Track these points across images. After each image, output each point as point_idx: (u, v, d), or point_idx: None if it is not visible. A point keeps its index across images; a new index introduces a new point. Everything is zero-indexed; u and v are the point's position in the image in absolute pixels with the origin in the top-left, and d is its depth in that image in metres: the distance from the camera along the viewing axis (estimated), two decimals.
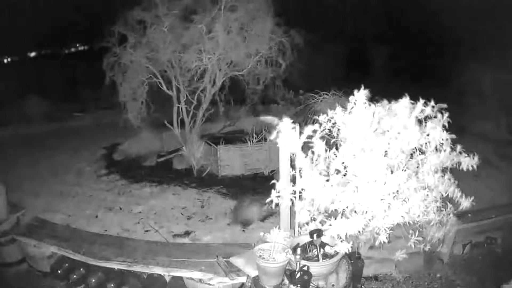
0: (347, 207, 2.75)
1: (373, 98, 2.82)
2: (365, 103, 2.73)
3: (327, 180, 2.76)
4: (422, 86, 6.16)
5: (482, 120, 8.06)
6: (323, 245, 2.83)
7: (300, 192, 2.88)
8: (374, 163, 2.64)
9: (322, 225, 2.85)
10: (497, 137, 7.73)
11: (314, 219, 2.91)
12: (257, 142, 6.77)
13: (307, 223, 2.98)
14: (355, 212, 2.77)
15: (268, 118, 3.04)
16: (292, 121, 2.83)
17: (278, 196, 2.84)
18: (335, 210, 2.78)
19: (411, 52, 13.09)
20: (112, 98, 8.34)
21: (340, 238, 2.72)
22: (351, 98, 2.76)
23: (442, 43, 12.19)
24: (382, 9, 15.83)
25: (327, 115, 2.78)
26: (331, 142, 2.85)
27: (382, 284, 3.87)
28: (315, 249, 2.80)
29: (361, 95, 2.72)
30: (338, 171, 2.80)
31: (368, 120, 2.71)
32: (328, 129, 2.80)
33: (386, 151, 2.71)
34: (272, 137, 2.84)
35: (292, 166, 3.10)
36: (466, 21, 10.84)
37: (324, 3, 15.43)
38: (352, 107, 2.75)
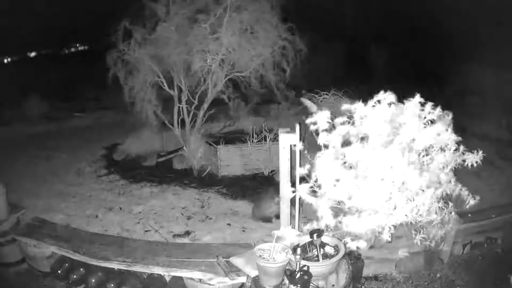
0: (359, 205, 2.76)
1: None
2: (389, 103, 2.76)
3: (339, 177, 2.78)
4: (423, 86, 6.16)
5: (483, 120, 8.06)
6: (323, 245, 2.83)
7: (313, 188, 2.89)
8: (388, 160, 2.66)
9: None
10: (497, 137, 7.73)
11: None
12: (257, 142, 6.76)
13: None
14: (362, 210, 2.77)
15: (309, 103, 3.08)
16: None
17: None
18: (349, 208, 2.80)
19: (411, 52, 13.08)
20: (113, 98, 8.34)
21: (353, 236, 2.74)
22: (375, 97, 2.79)
23: (442, 43, 12.20)
24: (382, 9, 15.82)
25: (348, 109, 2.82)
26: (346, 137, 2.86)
27: (382, 284, 3.87)
28: (315, 249, 2.80)
29: (387, 96, 2.75)
30: (351, 167, 2.81)
31: (386, 118, 2.73)
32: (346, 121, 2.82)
33: (400, 149, 2.73)
34: (309, 120, 2.87)
35: (293, 166, 3.11)
36: (466, 20, 10.83)
37: (325, 3, 15.41)
38: (374, 105, 2.78)
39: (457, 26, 10.76)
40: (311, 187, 2.89)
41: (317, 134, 2.86)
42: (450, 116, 2.85)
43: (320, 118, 2.85)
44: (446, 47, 11.89)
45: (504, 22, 10.12)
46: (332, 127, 2.85)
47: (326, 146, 2.85)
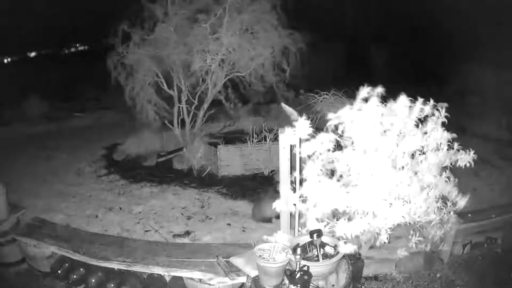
0: (350, 208, 2.74)
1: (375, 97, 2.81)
2: (376, 103, 2.72)
3: (331, 181, 2.75)
4: (423, 86, 6.18)
5: (483, 120, 8.06)
6: (323, 245, 2.83)
7: (303, 196, 2.86)
8: (379, 163, 2.64)
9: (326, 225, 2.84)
10: (497, 137, 7.74)
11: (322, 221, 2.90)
12: (257, 142, 6.77)
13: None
14: (357, 213, 2.76)
15: (288, 109, 3.00)
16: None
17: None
18: (339, 211, 2.78)
19: (411, 52, 13.09)
20: (113, 98, 8.35)
21: (345, 239, 2.72)
22: (361, 97, 2.75)
23: (442, 43, 12.20)
24: (382, 9, 15.82)
25: (334, 113, 2.76)
26: (336, 141, 2.82)
27: (382, 284, 3.87)
28: (315, 249, 2.80)
29: (373, 97, 2.72)
30: (342, 172, 2.78)
31: (375, 120, 2.70)
32: (335, 127, 2.78)
33: (390, 152, 2.71)
34: (288, 130, 2.81)
35: (293, 167, 3.09)
36: (466, 20, 10.83)
37: (325, 3, 15.43)
38: (361, 107, 2.74)
39: (457, 26, 10.76)
40: (301, 196, 2.86)
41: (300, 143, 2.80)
42: (443, 110, 2.80)
43: (300, 127, 2.74)
44: (446, 47, 11.89)
45: (504, 22, 10.12)
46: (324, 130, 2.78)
47: (309, 157, 2.77)
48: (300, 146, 2.80)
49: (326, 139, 2.72)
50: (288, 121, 3.03)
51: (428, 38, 13.00)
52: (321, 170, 2.76)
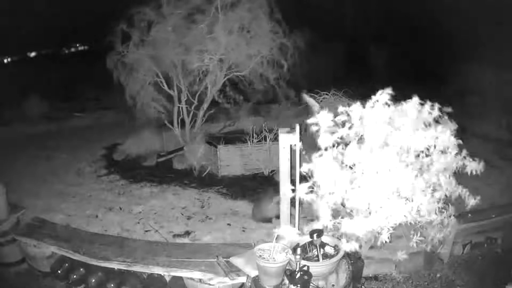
0: (353, 206, 2.75)
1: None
2: (386, 103, 2.75)
3: (338, 179, 2.76)
4: (423, 86, 6.19)
5: (483, 120, 8.06)
6: (323, 245, 2.83)
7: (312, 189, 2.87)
8: (385, 161, 2.65)
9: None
10: (497, 137, 7.73)
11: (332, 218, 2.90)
12: (257, 142, 6.76)
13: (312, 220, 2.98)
14: (361, 212, 2.77)
15: (311, 101, 3.00)
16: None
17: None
18: (345, 208, 2.79)
19: (411, 52, 13.09)
20: (113, 98, 8.36)
21: (347, 238, 2.73)
22: (373, 97, 2.78)
23: (442, 43, 12.21)
24: (382, 9, 15.83)
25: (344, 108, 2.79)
26: (342, 138, 2.84)
27: (382, 284, 3.87)
28: (315, 249, 2.80)
29: (383, 95, 2.75)
30: (349, 167, 2.80)
31: (384, 118, 2.71)
32: (342, 122, 2.80)
33: (397, 150, 2.72)
34: (310, 120, 2.84)
35: (293, 166, 3.10)
36: (466, 20, 10.84)
37: (325, 3, 15.43)
38: (372, 106, 2.76)
39: (457, 26, 10.76)
40: (311, 186, 2.87)
41: (318, 134, 2.83)
42: (447, 117, 2.80)
43: (322, 119, 2.80)
44: (446, 47, 11.90)
45: (504, 22, 10.13)
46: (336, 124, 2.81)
47: (325, 149, 2.82)
48: (319, 137, 2.83)
49: (342, 132, 2.76)
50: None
51: (428, 38, 13.00)
52: (336, 161, 2.78)
